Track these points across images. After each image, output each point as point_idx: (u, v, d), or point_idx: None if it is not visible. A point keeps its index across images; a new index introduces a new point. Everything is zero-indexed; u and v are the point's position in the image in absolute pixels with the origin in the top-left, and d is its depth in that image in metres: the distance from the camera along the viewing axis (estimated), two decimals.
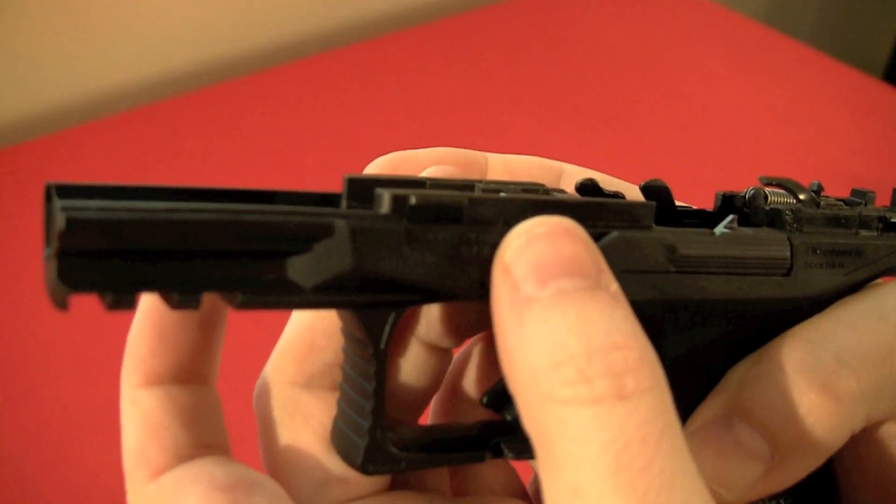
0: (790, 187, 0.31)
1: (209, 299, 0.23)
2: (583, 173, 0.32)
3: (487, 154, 0.31)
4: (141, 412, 0.26)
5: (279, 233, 0.22)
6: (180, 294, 0.21)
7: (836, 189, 0.34)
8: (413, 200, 0.23)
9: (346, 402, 0.27)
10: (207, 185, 0.24)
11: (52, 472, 0.61)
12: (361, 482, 0.28)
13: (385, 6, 1.17)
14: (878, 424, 0.29)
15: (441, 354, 0.30)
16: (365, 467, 0.25)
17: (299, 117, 0.96)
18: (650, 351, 0.22)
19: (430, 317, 0.29)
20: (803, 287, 0.29)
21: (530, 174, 0.31)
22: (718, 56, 1.13)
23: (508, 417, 0.28)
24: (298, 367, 0.29)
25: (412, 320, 0.30)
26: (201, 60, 1.04)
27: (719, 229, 0.29)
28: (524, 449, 0.27)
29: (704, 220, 0.31)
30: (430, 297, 0.25)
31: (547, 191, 0.27)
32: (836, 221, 0.31)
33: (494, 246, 0.24)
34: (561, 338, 0.21)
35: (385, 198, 0.23)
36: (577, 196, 0.28)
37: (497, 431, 0.28)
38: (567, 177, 0.32)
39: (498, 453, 0.27)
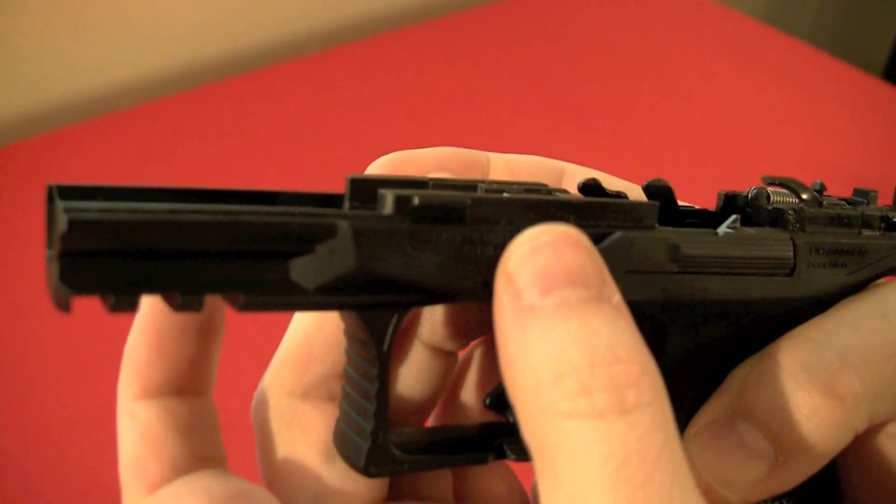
0: (793, 187, 0.31)
1: (211, 302, 0.23)
2: (585, 173, 0.32)
3: (489, 154, 0.31)
4: (138, 425, 0.26)
5: (281, 234, 0.22)
6: (182, 295, 0.21)
7: (836, 188, 0.34)
8: (416, 201, 0.23)
9: (348, 403, 0.27)
10: (208, 183, 0.24)
11: (52, 471, 0.61)
12: (359, 494, 0.28)
13: (385, 4, 1.17)
14: (881, 425, 0.29)
15: (446, 357, 0.30)
16: (367, 469, 0.25)
17: (300, 115, 0.96)
18: (652, 364, 0.22)
19: (434, 320, 0.29)
20: (806, 287, 0.29)
21: (532, 174, 0.31)
22: (719, 55, 1.13)
23: (511, 419, 0.28)
24: (296, 378, 0.29)
25: (416, 324, 0.29)
26: (202, 58, 1.04)
27: (722, 229, 0.29)
28: (527, 451, 0.27)
29: (707, 219, 0.31)
30: (434, 298, 0.25)
31: (550, 191, 0.27)
32: (839, 221, 0.31)
33: (497, 246, 0.24)
34: (564, 349, 0.21)
35: (388, 198, 0.23)
36: (580, 196, 0.28)
37: (500, 433, 0.28)
38: (569, 177, 0.32)
39: (501, 455, 0.27)
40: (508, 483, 0.31)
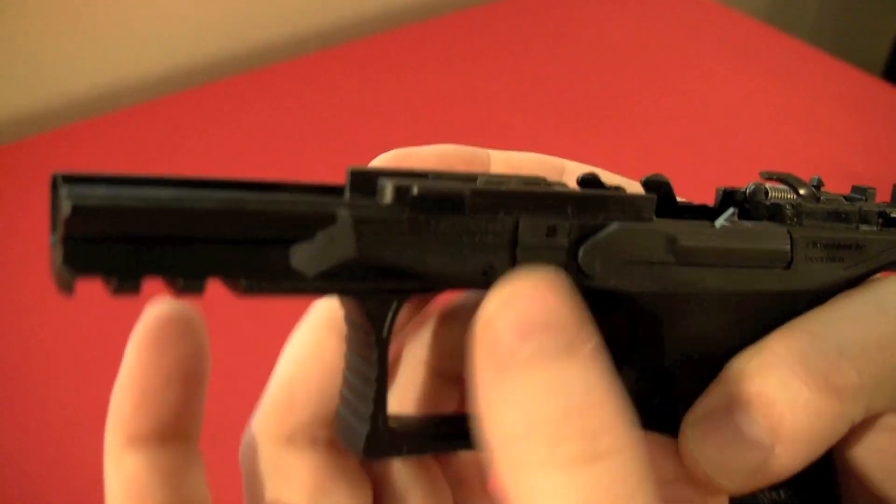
0: (790, 182, 0.31)
1: (196, 349, 0.24)
2: (584, 170, 0.32)
3: (489, 150, 0.31)
4: (125, 476, 0.26)
5: (282, 221, 0.22)
6: (184, 280, 0.22)
7: (836, 187, 0.34)
8: (415, 190, 0.24)
9: (348, 389, 0.27)
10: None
11: (52, 471, 0.61)
12: None
13: (385, 4, 1.17)
14: (877, 416, 0.29)
15: (459, 381, 0.30)
16: (367, 453, 0.26)
17: (300, 114, 0.96)
18: (625, 408, 0.22)
19: (445, 349, 0.30)
20: (803, 280, 0.30)
21: (532, 170, 0.31)
22: (718, 54, 1.13)
23: None
24: (279, 424, 0.29)
25: (426, 352, 0.30)
26: (202, 57, 1.04)
27: (720, 222, 0.29)
28: None
29: (705, 215, 0.31)
30: (432, 286, 0.25)
31: (548, 184, 0.27)
32: (837, 216, 0.31)
33: (496, 235, 0.24)
34: (538, 398, 0.21)
35: (388, 188, 0.24)
36: (578, 189, 0.28)
37: None
38: (569, 174, 0.32)
39: None
40: None
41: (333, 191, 0.26)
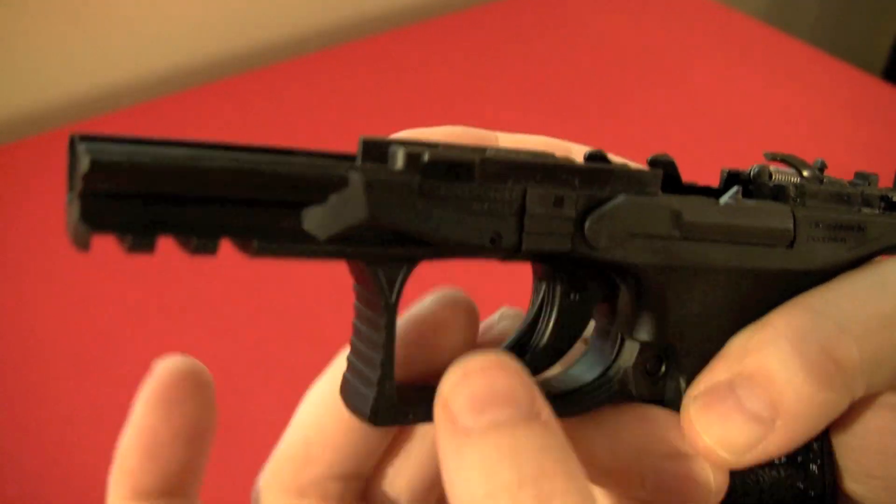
0: (794, 163, 0.32)
1: (201, 406, 0.24)
2: None
3: (498, 133, 0.32)
4: None
5: (296, 182, 0.23)
6: (198, 239, 0.22)
7: None
8: (426, 157, 0.24)
9: (355, 355, 0.27)
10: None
11: (52, 471, 0.61)
12: None
13: (385, 4, 1.17)
14: (877, 394, 0.30)
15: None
16: (373, 418, 0.26)
17: (300, 114, 0.96)
18: (579, 473, 0.23)
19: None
20: (806, 260, 0.30)
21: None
22: (718, 54, 1.13)
23: None
24: (292, 478, 0.30)
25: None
26: (202, 57, 1.04)
27: (724, 200, 0.29)
28: None
29: (710, 195, 0.31)
30: (441, 253, 0.26)
31: (556, 159, 0.27)
32: (839, 198, 0.31)
33: (504, 204, 0.25)
34: (495, 468, 0.22)
35: (399, 154, 0.24)
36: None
37: None
38: (575, 156, 0.32)
39: None
40: None
41: (345, 158, 0.26)
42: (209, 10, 1.03)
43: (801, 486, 0.31)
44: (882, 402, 0.30)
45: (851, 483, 0.31)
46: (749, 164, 0.32)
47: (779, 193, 0.31)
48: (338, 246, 0.24)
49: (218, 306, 0.73)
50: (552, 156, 0.27)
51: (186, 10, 1.02)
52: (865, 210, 0.32)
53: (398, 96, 1.00)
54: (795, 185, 0.30)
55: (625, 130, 0.98)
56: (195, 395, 0.27)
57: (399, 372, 0.26)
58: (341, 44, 1.09)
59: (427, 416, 0.27)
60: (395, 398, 0.26)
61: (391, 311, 0.26)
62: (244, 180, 0.22)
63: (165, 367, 0.27)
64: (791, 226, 0.30)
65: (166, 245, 0.24)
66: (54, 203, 0.78)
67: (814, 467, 0.31)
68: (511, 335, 0.30)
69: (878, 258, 0.32)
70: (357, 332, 0.27)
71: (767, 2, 1.71)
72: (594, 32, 1.15)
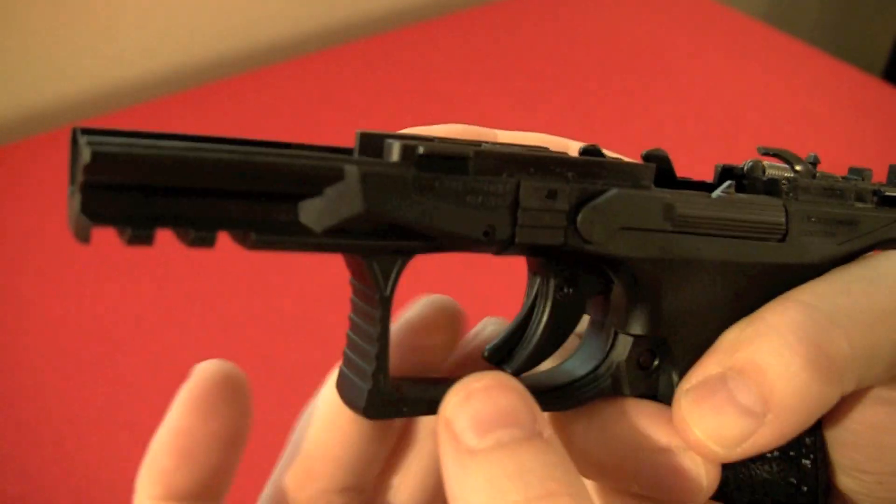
0: (787, 157, 0.32)
1: (239, 410, 0.25)
2: None
3: (497, 131, 0.32)
4: None
5: (292, 175, 0.23)
6: (196, 231, 0.22)
7: None
8: (421, 150, 0.24)
9: (351, 348, 0.27)
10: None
11: (52, 471, 0.61)
12: None
13: (385, 4, 1.17)
14: (868, 388, 0.30)
15: None
16: (368, 411, 0.26)
17: (300, 114, 0.96)
18: (583, 490, 0.23)
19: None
20: (798, 253, 0.30)
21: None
22: (718, 54, 1.13)
23: (509, 371, 0.29)
24: (295, 494, 0.30)
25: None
26: (202, 57, 1.04)
27: (716, 193, 0.29)
28: None
29: (704, 190, 0.31)
30: (436, 245, 0.26)
31: (551, 153, 0.27)
32: (832, 193, 0.31)
33: (498, 196, 0.25)
34: (500, 487, 0.23)
35: (395, 147, 0.24)
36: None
37: None
38: (573, 153, 0.33)
39: None
40: None
41: (342, 152, 0.26)
42: (209, 11, 1.03)
43: (794, 480, 0.31)
44: (874, 396, 0.30)
45: (844, 478, 0.31)
46: None
47: (771, 188, 0.31)
48: (334, 238, 0.24)
49: (218, 306, 0.73)
50: (546, 149, 0.27)
51: (186, 11, 1.02)
52: (858, 204, 0.32)
53: (398, 96, 1.00)
54: (788, 180, 0.31)
55: (625, 130, 0.98)
56: (234, 401, 0.27)
57: (392, 371, 0.26)
58: (341, 44, 1.09)
59: (421, 409, 0.27)
60: (390, 391, 0.26)
61: (386, 304, 0.26)
62: (242, 173, 0.22)
63: (206, 370, 0.27)
64: (783, 219, 0.30)
65: (166, 245, 0.24)
66: (55, 203, 0.78)
67: (806, 462, 0.31)
68: (506, 329, 0.30)
69: (871, 253, 0.32)
70: (353, 326, 0.27)
71: (767, 2, 1.71)
72: (594, 32, 1.15)
